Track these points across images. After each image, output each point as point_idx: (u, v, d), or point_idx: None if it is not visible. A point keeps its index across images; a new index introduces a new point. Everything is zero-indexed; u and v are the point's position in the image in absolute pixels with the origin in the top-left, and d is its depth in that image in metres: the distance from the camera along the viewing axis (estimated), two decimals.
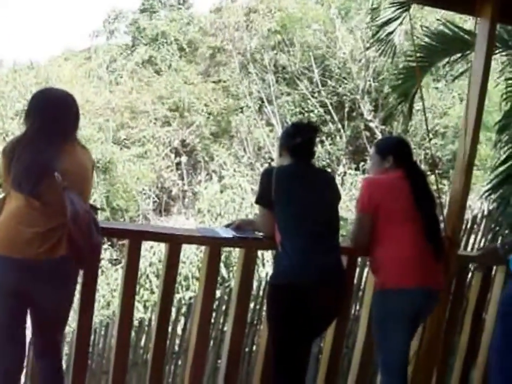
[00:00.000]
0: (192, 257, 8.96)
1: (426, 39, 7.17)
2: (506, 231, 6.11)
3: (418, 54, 7.27)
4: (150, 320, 6.03)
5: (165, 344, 3.36)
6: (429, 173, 13.77)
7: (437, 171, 13.86)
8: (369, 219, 3.27)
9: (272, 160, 15.37)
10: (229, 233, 3.20)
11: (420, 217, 3.28)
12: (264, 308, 3.95)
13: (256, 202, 3.20)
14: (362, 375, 3.78)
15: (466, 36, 6.92)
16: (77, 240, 2.71)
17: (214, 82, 16.56)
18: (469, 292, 4.16)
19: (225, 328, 3.60)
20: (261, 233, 3.26)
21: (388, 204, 3.25)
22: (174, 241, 3.18)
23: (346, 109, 14.93)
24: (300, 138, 3.17)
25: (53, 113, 2.81)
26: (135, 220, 14.09)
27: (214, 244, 3.23)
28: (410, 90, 7.41)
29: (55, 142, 2.76)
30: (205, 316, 3.29)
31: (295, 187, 3.11)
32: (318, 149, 14.94)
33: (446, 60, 7.18)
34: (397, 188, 3.30)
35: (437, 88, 14.10)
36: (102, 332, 5.84)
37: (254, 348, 5.47)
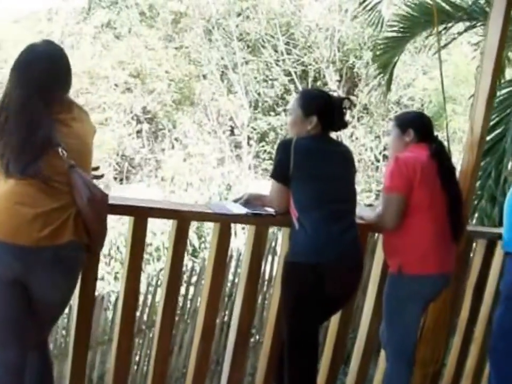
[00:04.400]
0: (163, 227, 8.72)
1: (409, 9, 7.03)
2: (486, 204, 6.07)
3: (400, 25, 7.14)
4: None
5: (174, 318, 3.19)
6: None
7: None
8: (399, 199, 3.09)
9: (234, 128, 15.15)
10: (241, 209, 3.00)
11: (445, 200, 3.15)
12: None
13: (272, 176, 3.00)
14: (367, 352, 3.68)
15: (449, 8, 6.80)
16: (90, 226, 2.40)
17: (175, 48, 16.09)
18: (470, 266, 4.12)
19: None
20: (272, 209, 3.09)
21: (417, 189, 3.08)
22: (184, 219, 2.98)
23: (311, 79, 14.73)
24: (335, 106, 2.98)
25: (43, 72, 2.41)
26: None
27: (224, 221, 3.04)
28: (390, 61, 7.28)
29: (51, 109, 2.40)
30: (215, 295, 3.12)
31: (315, 161, 2.92)
32: (282, 118, 14.78)
33: (428, 31, 7.06)
34: (427, 170, 3.12)
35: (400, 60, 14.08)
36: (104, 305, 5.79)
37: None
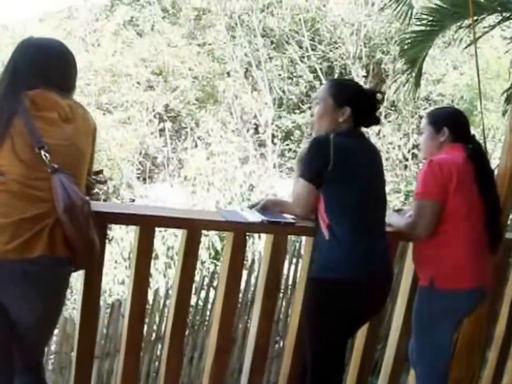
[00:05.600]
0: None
1: (438, 1, 6.73)
2: None
3: (428, 18, 6.84)
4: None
5: (183, 335, 2.94)
6: None
7: None
8: (433, 207, 2.83)
9: (258, 126, 14.91)
10: (257, 217, 2.75)
11: (482, 207, 2.88)
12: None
13: (302, 176, 2.68)
14: (397, 365, 3.43)
15: None
16: (70, 237, 2.15)
17: (198, 45, 15.93)
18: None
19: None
20: (292, 216, 2.83)
21: (453, 195, 2.82)
22: (194, 228, 2.75)
23: (337, 75, 14.43)
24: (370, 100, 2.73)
25: (22, 60, 2.25)
26: (118, 188, 13.58)
27: (238, 230, 2.80)
28: (419, 55, 6.98)
29: (21, 101, 2.18)
30: (228, 311, 2.88)
31: (356, 162, 2.64)
32: (307, 116, 14.49)
33: (459, 24, 6.75)
34: (463, 174, 2.85)
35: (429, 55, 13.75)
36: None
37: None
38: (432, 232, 2.85)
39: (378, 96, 2.79)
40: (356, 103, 2.69)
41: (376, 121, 2.83)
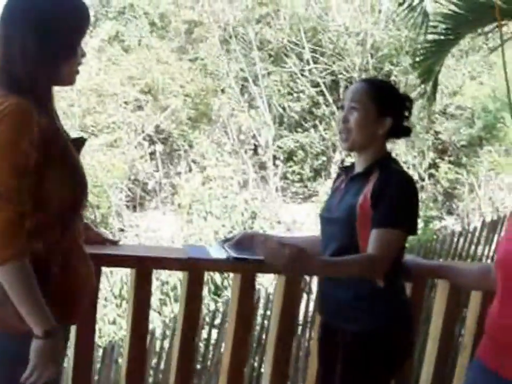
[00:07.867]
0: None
1: (453, 7, 6.73)
2: None
3: (442, 26, 6.86)
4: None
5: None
6: (438, 160, 13.46)
7: (447, 158, 13.54)
8: None
9: (257, 147, 14.89)
10: (222, 253, 2.62)
11: None
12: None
13: (401, 227, 2.39)
14: None
15: (501, 3, 6.48)
16: None
17: (190, 60, 15.99)
18: None
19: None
20: None
21: None
22: (197, 270, 2.68)
23: (342, 89, 14.47)
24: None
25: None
26: (107, 216, 13.52)
27: (247, 271, 2.72)
28: (434, 67, 6.99)
29: None
30: (239, 365, 2.80)
31: None
32: (311, 135, 14.48)
33: (478, 31, 6.76)
34: None
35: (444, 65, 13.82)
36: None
37: None
38: None
39: (411, 103, 2.57)
40: (398, 113, 2.49)
41: (409, 133, 2.59)
